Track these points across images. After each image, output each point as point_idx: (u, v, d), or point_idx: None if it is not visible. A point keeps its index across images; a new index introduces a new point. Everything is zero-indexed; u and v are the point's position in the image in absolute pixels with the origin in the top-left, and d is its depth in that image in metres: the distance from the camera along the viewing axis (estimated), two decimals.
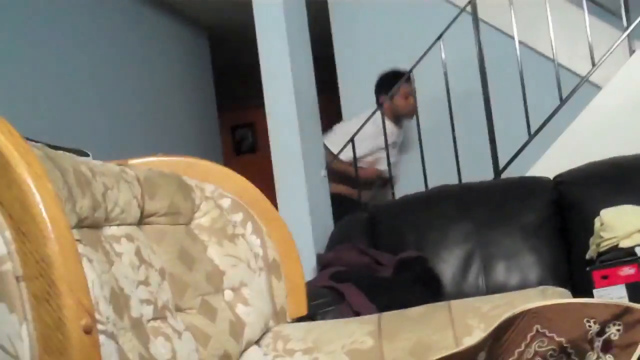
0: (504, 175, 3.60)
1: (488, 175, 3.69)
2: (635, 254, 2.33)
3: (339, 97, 4.89)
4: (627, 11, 3.95)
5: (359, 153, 4.00)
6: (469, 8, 3.83)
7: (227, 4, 5.85)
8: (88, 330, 0.99)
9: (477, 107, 3.84)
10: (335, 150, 4.08)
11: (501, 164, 3.64)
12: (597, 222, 2.60)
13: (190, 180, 1.63)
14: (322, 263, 2.92)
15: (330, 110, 4.66)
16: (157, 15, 5.81)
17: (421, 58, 3.86)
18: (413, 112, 4.18)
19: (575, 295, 1.88)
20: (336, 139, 4.21)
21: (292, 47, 3.34)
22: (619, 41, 3.43)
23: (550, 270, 2.76)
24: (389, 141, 4.10)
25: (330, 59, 4.87)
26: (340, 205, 3.81)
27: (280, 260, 1.72)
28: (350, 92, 4.78)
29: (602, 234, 2.52)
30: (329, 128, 4.38)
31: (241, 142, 9.28)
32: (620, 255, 2.36)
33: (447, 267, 2.78)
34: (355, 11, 4.81)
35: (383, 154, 4.08)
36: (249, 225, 1.70)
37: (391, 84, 4.21)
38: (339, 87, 4.87)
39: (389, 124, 4.20)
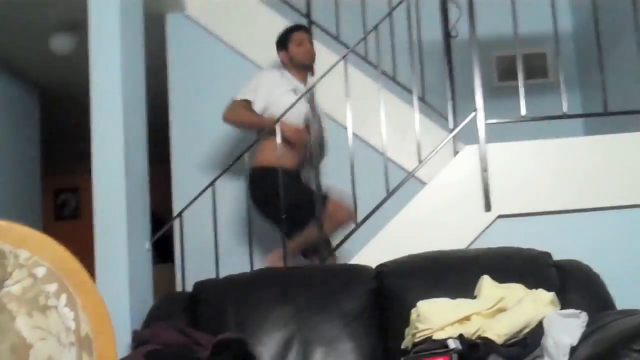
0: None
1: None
2: (447, 345, 2.41)
3: (170, 169, 4.80)
4: (454, 115, 4.23)
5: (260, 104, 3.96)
6: (308, 96, 3.94)
7: (63, 64, 5.67)
8: None
9: None
10: (250, 97, 3.98)
11: None
12: (413, 313, 2.68)
13: (4, 245, 1.55)
14: (138, 340, 2.81)
15: (160, 182, 4.57)
16: None
17: (257, 140, 3.88)
18: (310, 57, 4.16)
19: None
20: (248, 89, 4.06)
21: (127, 113, 3.26)
22: (444, 142, 3.61)
23: (368, 358, 2.80)
24: (289, 87, 4.02)
25: (164, 128, 4.78)
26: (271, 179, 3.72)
27: (94, 335, 1.65)
28: (183, 164, 4.71)
29: (417, 324, 2.60)
30: (159, 199, 4.24)
31: (64, 207, 8.94)
32: (434, 347, 2.45)
33: (267, 350, 2.76)
34: (192, 81, 4.77)
35: (279, 105, 3.90)
36: (63, 297, 1.63)
37: (286, 38, 4.18)
38: (171, 158, 4.79)
39: (290, 74, 4.14)
